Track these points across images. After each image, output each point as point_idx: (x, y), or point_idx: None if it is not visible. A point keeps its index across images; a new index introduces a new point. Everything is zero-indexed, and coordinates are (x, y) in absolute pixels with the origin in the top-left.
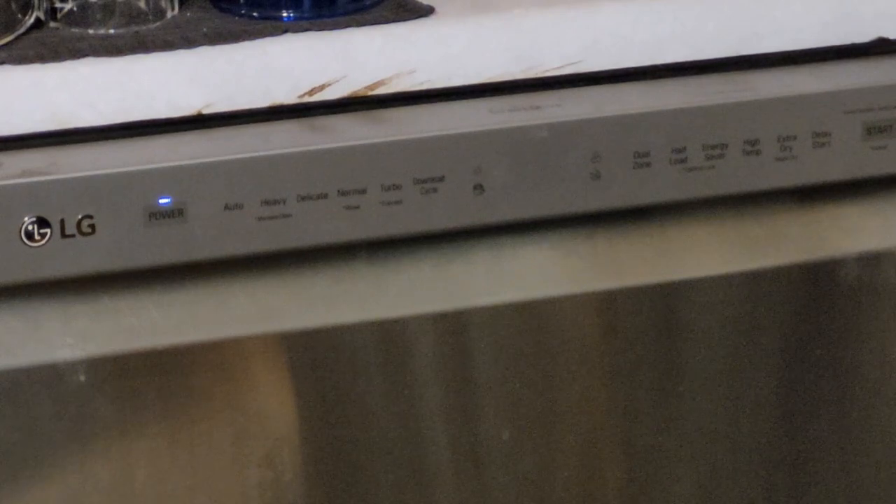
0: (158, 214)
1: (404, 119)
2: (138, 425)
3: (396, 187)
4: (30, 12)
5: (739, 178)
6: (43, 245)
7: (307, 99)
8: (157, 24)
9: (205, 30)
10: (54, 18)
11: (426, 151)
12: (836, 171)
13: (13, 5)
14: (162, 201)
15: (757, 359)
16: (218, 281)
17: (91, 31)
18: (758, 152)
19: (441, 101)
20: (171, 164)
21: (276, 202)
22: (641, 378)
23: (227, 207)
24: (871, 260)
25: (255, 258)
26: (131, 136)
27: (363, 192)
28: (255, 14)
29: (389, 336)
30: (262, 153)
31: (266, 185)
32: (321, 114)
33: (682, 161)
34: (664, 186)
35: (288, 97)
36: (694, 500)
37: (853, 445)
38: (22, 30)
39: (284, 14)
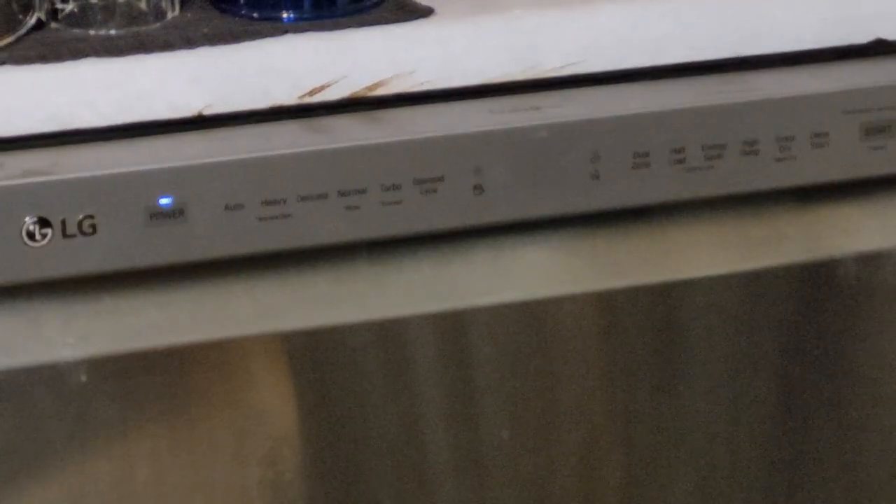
0: (159, 214)
1: (404, 119)
2: (139, 425)
3: (396, 187)
4: (31, 13)
5: (738, 178)
6: (44, 245)
7: (307, 99)
8: (158, 24)
9: (205, 30)
10: (55, 19)
11: (426, 152)
12: (834, 172)
13: (14, 6)
14: (162, 201)
15: (756, 359)
16: (218, 281)
17: (92, 32)
18: (757, 152)
19: (441, 101)
20: (172, 164)
21: (276, 202)
22: (641, 378)
23: (227, 207)
24: (870, 260)
25: (255, 258)
26: (132, 136)
27: (363, 192)
28: (255, 15)
29: (389, 336)
30: (262, 153)
31: (266, 185)
32: (321, 114)
33: (682, 161)
34: (663, 186)
35: (288, 98)
36: (693, 499)
37: (852, 445)
38: (23, 30)
39: (284, 15)
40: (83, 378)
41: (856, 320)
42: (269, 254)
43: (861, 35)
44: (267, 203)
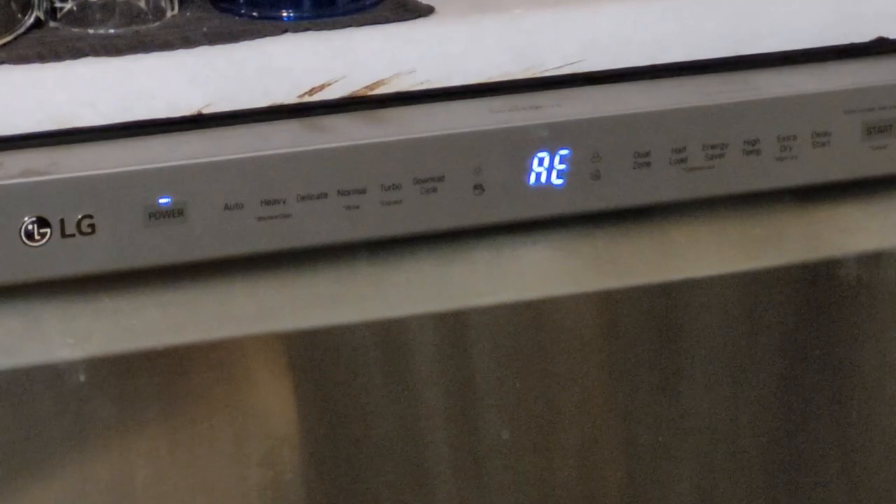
0: (158, 214)
1: (404, 119)
2: (138, 425)
3: (396, 187)
4: (30, 12)
5: (739, 177)
6: (43, 245)
7: (307, 99)
8: (157, 23)
9: (205, 29)
10: (54, 18)
11: (426, 151)
12: (836, 171)
13: (13, 5)
14: (162, 201)
15: (757, 359)
16: (218, 281)
17: (91, 31)
18: (758, 152)
19: (441, 100)
20: (171, 163)
21: (276, 202)
22: (641, 378)
23: (227, 207)
24: (871, 260)
25: (255, 258)
26: (131, 135)
27: (363, 191)
28: (254, 14)
29: (389, 336)
30: (261, 153)
31: (266, 184)
32: (321, 113)
33: (682, 161)
34: (664, 186)
35: (288, 97)
36: (694, 499)
37: (853, 445)
38: (22, 29)
39: (284, 14)
40: (82, 378)
41: (857, 320)
42: (269, 254)
43: (862, 34)
44: (266, 203)
